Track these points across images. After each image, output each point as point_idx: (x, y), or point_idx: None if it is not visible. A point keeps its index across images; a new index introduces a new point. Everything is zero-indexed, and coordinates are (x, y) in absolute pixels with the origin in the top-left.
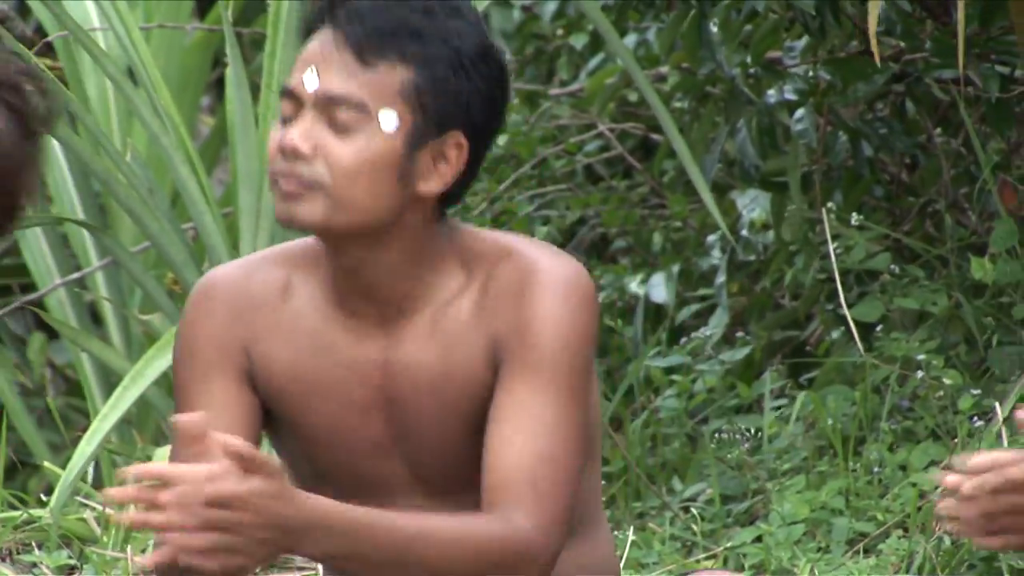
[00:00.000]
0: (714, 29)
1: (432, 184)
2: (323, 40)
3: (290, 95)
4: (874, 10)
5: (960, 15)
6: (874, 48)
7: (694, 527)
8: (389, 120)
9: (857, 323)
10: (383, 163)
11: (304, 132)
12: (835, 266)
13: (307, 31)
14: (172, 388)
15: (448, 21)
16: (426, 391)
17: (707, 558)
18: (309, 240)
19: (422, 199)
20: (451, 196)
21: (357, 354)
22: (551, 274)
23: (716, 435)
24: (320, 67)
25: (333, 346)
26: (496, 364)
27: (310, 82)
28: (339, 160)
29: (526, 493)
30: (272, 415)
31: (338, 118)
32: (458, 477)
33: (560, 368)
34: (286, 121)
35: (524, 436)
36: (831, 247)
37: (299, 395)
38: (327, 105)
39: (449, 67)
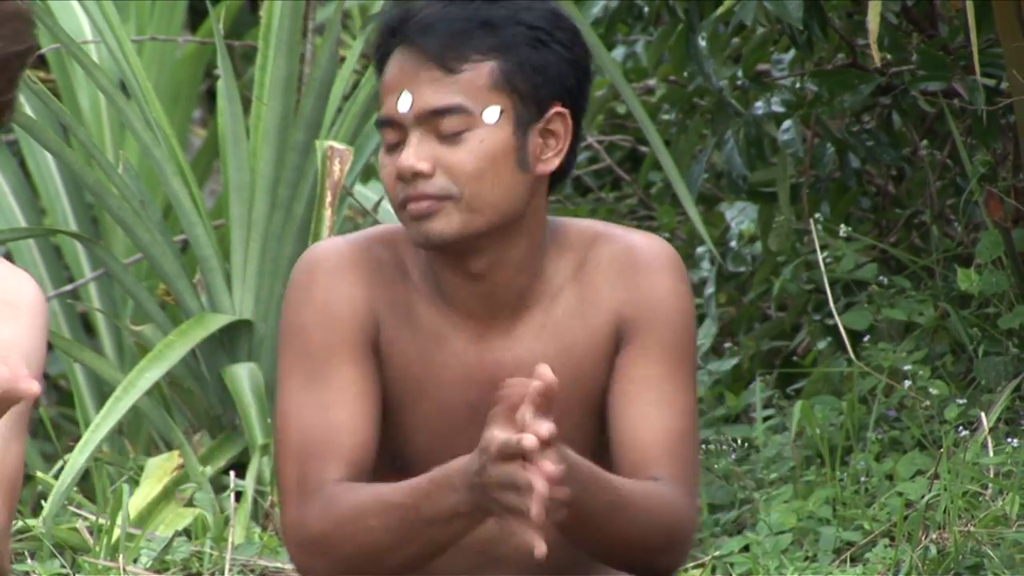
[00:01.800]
0: (702, 43)
1: (550, 162)
2: (403, 61)
3: (390, 123)
4: (875, 12)
5: (970, 17)
6: (874, 49)
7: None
8: (492, 113)
9: (844, 333)
10: (501, 155)
11: (417, 152)
12: (825, 276)
13: (382, 57)
14: (278, 369)
15: (513, 1)
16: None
17: (695, 567)
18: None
19: (542, 182)
20: (567, 167)
21: (473, 354)
22: (658, 251)
23: (705, 445)
24: (411, 88)
25: (453, 343)
26: (617, 343)
27: (405, 105)
28: (461, 166)
29: (673, 471)
30: (386, 398)
31: (444, 129)
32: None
33: (685, 344)
34: (391, 149)
35: (661, 414)
36: (820, 258)
37: (414, 385)
38: (430, 121)
39: (528, 45)
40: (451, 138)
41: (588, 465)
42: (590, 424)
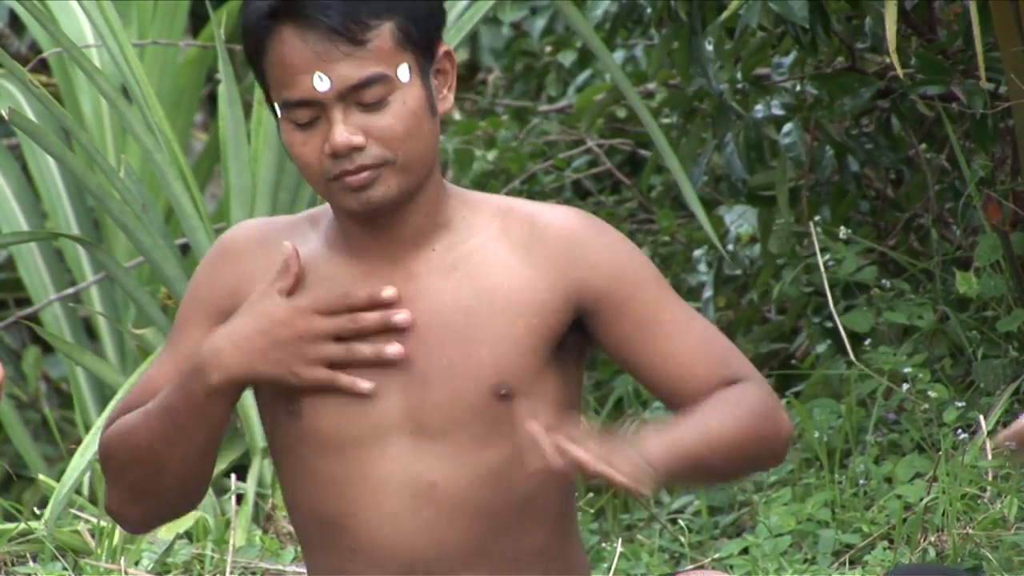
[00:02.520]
0: (710, 47)
1: (447, 99)
2: (302, 40)
3: (305, 104)
4: (891, 18)
5: (974, 18)
6: (894, 58)
7: (682, 539)
8: (404, 72)
9: (845, 337)
10: (420, 109)
11: (347, 127)
12: (825, 278)
13: (260, 40)
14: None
15: None
16: (451, 317)
17: (694, 569)
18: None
19: (439, 123)
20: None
21: (362, 287)
22: (580, 218)
23: None
24: (325, 67)
25: (335, 279)
26: (579, 314)
27: (324, 85)
28: (391, 131)
29: (726, 368)
30: None
31: (367, 98)
32: (461, 411)
33: (653, 279)
34: (305, 126)
35: (683, 336)
36: (820, 260)
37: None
38: (352, 94)
39: None
40: (375, 106)
41: (680, 433)
42: (494, 366)
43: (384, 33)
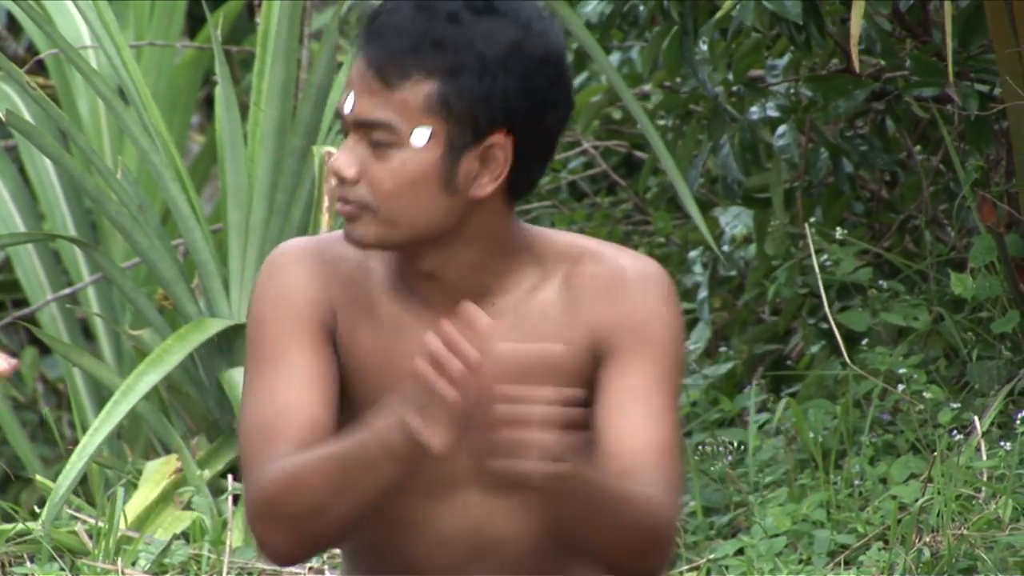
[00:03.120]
0: (703, 47)
1: (485, 187)
2: (359, 59)
3: (341, 118)
4: (857, 12)
5: (947, 26)
6: (853, 52)
7: (677, 539)
8: (421, 136)
9: (839, 337)
10: (422, 178)
11: (348, 157)
12: (820, 279)
13: (359, 46)
14: (247, 357)
15: (476, 24)
16: (508, 379)
17: (690, 570)
18: None
19: (484, 200)
20: (519, 188)
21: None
22: (644, 272)
23: (699, 448)
24: (356, 91)
25: (411, 332)
26: (597, 359)
27: (348, 106)
28: (380, 182)
29: (658, 477)
30: (348, 391)
31: (375, 140)
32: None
33: (671, 361)
34: (344, 136)
35: (648, 427)
36: (815, 260)
37: (375, 375)
38: (363, 128)
39: (474, 73)
40: (379, 151)
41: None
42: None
43: (419, 90)
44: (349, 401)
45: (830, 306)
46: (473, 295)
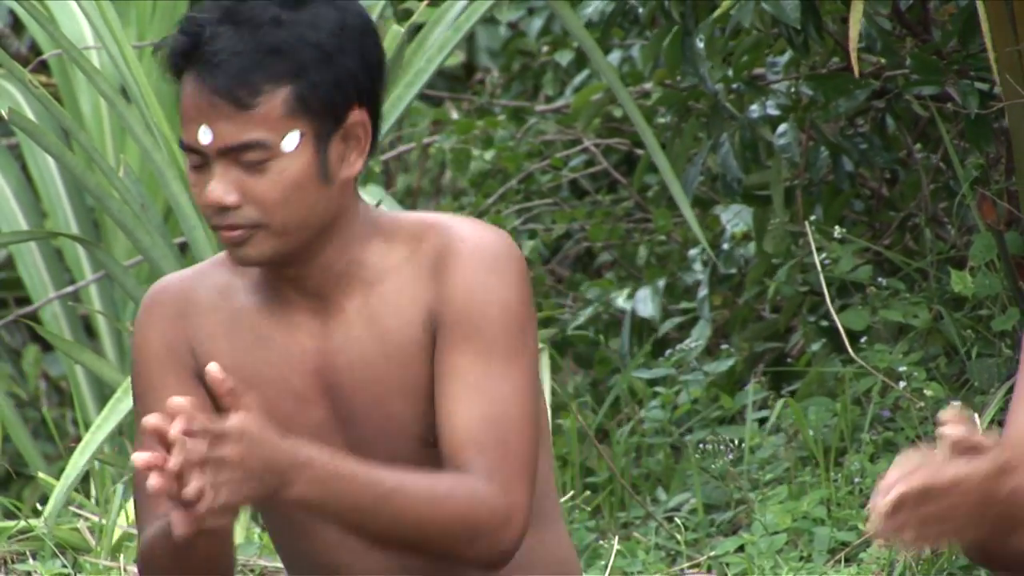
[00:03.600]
0: (700, 45)
1: (355, 164)
2: (197, 91)
3: (192, 150)
4: (856, 14)
5: (984, 27)
6: (853, 56)
7: (678, 536)
8: (291, 141)
9: (839, 335)
10: (304, 178)
11: (223, 184)
12: (822, 277)
13: (174, 72)
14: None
15: (298, 19)
16: (365, 373)
17: (691, 567)
18: None
19: (348, 183)
20: (373, 149)
21: (292, 344)
22: (474, 242)
23: (700, 446)
24: (209, 122)
25: (270, 339)
26: (433, 336)
27: (205, 138)
28: (265, 197)
29: (480, 458)
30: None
31: (246, 160)
32: (403, 458)
33: (494, 334)
34: (198, 168)
35: (467, 403)
36: (816, 259)
37: (241, 388)
38: (231, 154)
39: (319, 65)
40: (253, 167)
41: (340, 465)
42: (411, 413)
43: (276, 99)
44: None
45: (831, 304)
46: (329, 292)
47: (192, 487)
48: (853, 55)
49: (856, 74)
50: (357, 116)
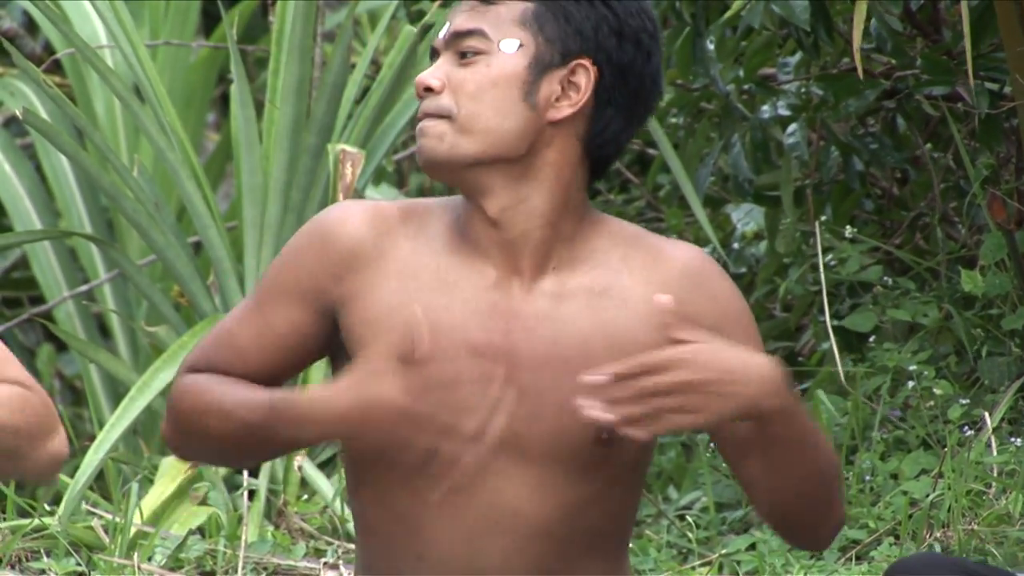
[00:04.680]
0: (711, 47)
1: (563, 110)
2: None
3: (432, 53)
4: (860, 15)
5: (966, 24)
6: (857, 59)
7: (689, 534)
8: (509, 45)
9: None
10: (505, 82)
11: (434, 71)
12: (823, 279)
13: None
14: None
15: None
16: (571, 351)
17: (702, 565)
18: (447, 198)
19: (560, 134)
20: (596, 139)
21: (483, 298)
22: (703, 258)
23: (711, 444)
24: (456, 13)
25: (456, 285)
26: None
27: (443, 32)
28: (462, 84)
29: None
30: (364, 351)
31: (465, 48)
32: (565, 450)
33: (757, 332)
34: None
35: None
36: (820, 260)
37: (403, 328)
38: (455, 43)
39: (577, 4)
40: (468, 60)
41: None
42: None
43: (515, 7)
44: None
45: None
46: (537, 256)
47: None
48: (857, 55)
49: (860, 75)
50: (583, 68)
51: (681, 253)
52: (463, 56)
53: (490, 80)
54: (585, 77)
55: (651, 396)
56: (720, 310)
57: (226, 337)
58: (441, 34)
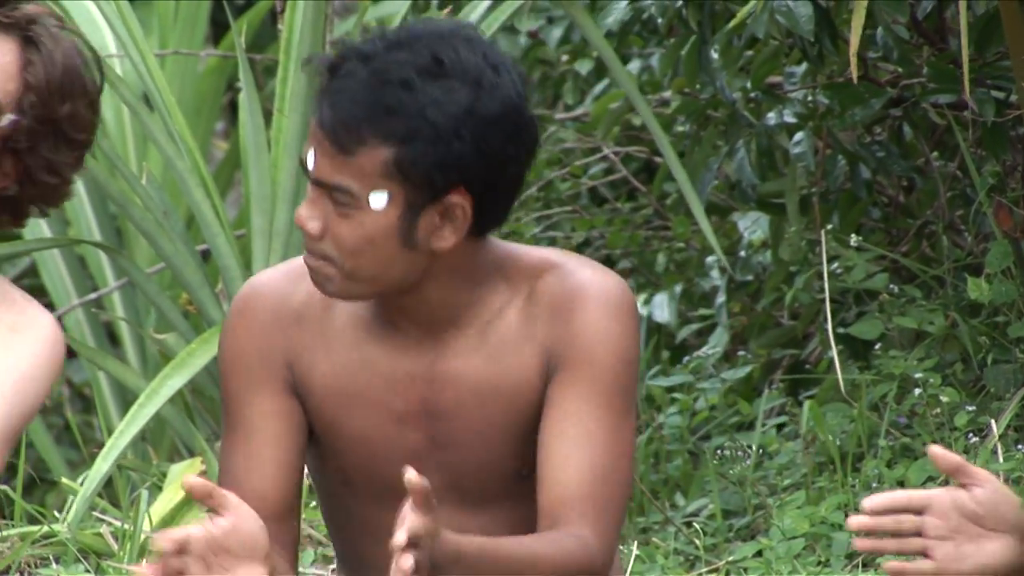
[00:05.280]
0: (715, 55)
1: (446, 240)
2: (318, 118)
3: (305, 171)
4: (858, 18)
5: (963, 39)
6: (853, 65)
7: (696, 542)
8: (378, 200)
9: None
10: (381, 237)
11: (311, 211)
12: (827, 288)
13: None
14: (215, 400)
15: (428, 89)
16: (471, 402)
17: (709, 572)
18: None
19: (441, 252)
20: (485, 229)
21: (398, 367)
22: (599, 289)
23: (718, 452)
24: (315, 151)
25: (375, 360)
26: (548, 376)
27: (310, 163)
28: (342, 240)
29: (588, 511)
30: (312, 426)
31: (336, 200)
32: (493, 488)
33: (614, 383)
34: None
35: (582, 452)
36: (825, 268)
37: (338, 406)
38: (324, 188)
39: (428, 140)
40: (341, 210)
41: (480, 543)
42: (511, 448)
43: (376, 156)
44: (320, 433)
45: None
46: (442, 324)
47: None
48: (853, 60)
49: (855, 79)
50: (457, 198)
51: (577, 280)
52: (336, 203)
53: (366, 239)
54: (461, 207)
55: None
56: (577, 337)
57: (228, 480)
58: (309, 164)
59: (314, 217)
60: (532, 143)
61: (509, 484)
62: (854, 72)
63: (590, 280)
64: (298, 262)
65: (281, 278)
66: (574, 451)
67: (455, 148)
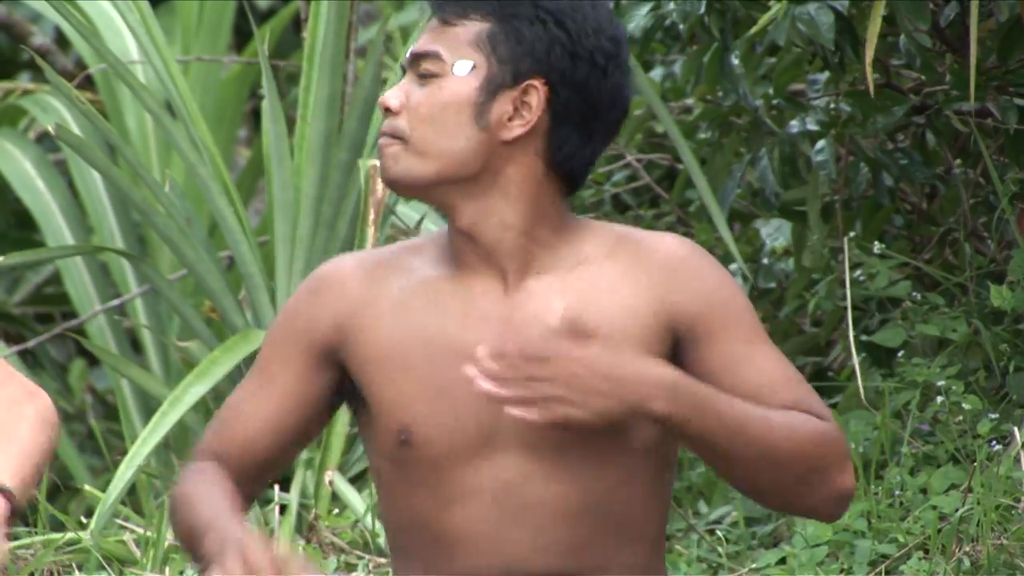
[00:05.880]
0: (735, 62)
1: (514, 130)
2: (430, 3)
3: (403, 70)
4: (874, 23)
5: (972, 47)
6: (868, 72)
7: (719, 549)
8: (463, 67)
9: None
10: (455, 104)
11: (395, 91)
12: (849, 296)
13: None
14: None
15: None
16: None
17: None
18: (435, 231)
19: (517, 152)
20: (556, 155)
21: (473, 308)
22: (692, 247)
23: None
24: (421, 35)
25: (448, 306)
26: (676, 338)
27: (408, 52)
28: (416, 108)
29: (808, 397)
30: (365, 392)
31: (423, 71)
32: (571, 438)
33: (755, 319)
34: None
35: (770, 377)
36: (847, 276)
37: (406, 354)
38: (416, 64)
39: (526, 20)
40: (425, 79)
41: (704, 388)
42: None
43: (471, 28)
44: (384, 386)
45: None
46: (517, 264)
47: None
48: (868, 73)
49: (870, 86)
50: (535, 88)
51: (662, 244)
52: (422, 77)
53: (441, 103)
54: (536, 97)
55: (535, 381)
56: (703, 297)
57: (233, 411)
58: (408, 52)
59: (396, 95)
60: (622, 79)
61: (586, 433)
62: (870, 82)
63: (680, 243)
64: (375, 250)
65: (362, 255)
66: (764, 382)
67: (549, 33)
